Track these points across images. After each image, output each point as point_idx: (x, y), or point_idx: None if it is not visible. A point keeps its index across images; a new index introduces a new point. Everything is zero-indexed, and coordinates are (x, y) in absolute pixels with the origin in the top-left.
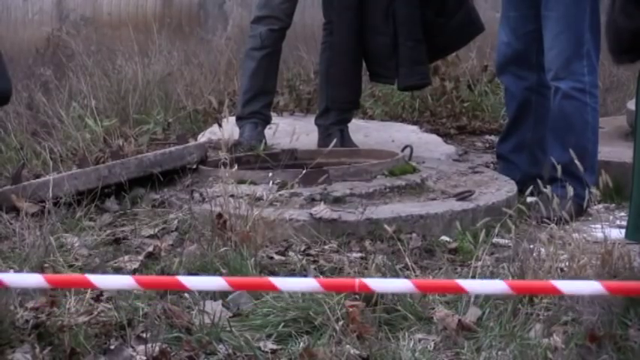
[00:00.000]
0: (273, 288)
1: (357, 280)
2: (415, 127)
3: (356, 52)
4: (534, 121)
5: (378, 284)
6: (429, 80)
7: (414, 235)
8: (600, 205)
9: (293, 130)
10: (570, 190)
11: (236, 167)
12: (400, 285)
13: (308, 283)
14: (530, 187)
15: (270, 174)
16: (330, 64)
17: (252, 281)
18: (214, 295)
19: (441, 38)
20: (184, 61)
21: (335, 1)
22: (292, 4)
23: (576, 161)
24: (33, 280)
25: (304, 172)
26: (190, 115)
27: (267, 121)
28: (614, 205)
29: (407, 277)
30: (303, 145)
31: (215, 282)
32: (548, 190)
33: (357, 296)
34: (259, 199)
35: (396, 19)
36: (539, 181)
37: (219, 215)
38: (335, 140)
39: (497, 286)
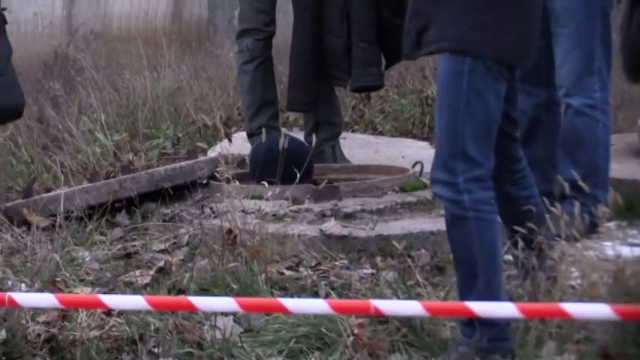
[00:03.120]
0: (283, 310)
1: (372, 305)
2: (425, 144)
3: (311, 54)
4: (545, 138)
5: (390, 306)
6: (381, 82)
7: (423, 251)
8: (612, 223)
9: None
10: (580, 208)
11: (237, 182)
12: (411, 308)
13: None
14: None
15: (280, 189)
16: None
17: (263, 302)
18: None
19: (400, 39)
20: (193, 75)
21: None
22: (267, 15)
23: (581, 183)
24: (44, 300)
25: (315, 187)
26: (200, 130)
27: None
28: (625, 222)
29: (418, 294)
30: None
31: (225, 303)
32: (559, 207)
33: None
34: (270, 214)
35: (349, 20)
36: (545, 199)
37: (230, 231)
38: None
39: (507, 309)
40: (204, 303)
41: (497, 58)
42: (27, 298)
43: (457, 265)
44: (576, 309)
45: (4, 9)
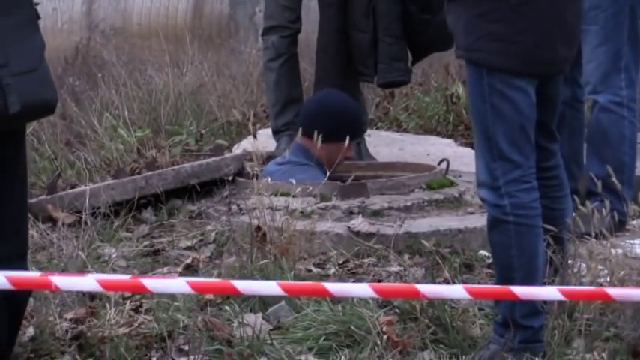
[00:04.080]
0: (327, 294)
1: (416, 289)
2: (450, 141)
3: (337, 50)
4: (569, 136)
5: (435, 290)
6: (407, 77)
7: (451, 249)
8: (639, 221)
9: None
10: (608, 205)
11: (269, 179)
12: (455, 291)
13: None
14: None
15: (308, 187)
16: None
17: (308, 286)
18: (254, 307)
19: (426, 35)
20: (216, 72)
21: None
22: (293, 12)
23: (613, 178)
24: (86, 283)
25: (342, 185)
26: (223, 127)
27: None
28: None
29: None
30: None
31: (269, 287)
32: (588, 205)
33: (397, 309)
34: (298, 211)
35: (375, 15)
36: (575, 197)
37: (258, 227)
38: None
39: (550, 293)
40: (248, 287)
41: (505, 68)
42: (68, 282)
43: (495, 266)
44: (619, 292)
45: (37, 4)
